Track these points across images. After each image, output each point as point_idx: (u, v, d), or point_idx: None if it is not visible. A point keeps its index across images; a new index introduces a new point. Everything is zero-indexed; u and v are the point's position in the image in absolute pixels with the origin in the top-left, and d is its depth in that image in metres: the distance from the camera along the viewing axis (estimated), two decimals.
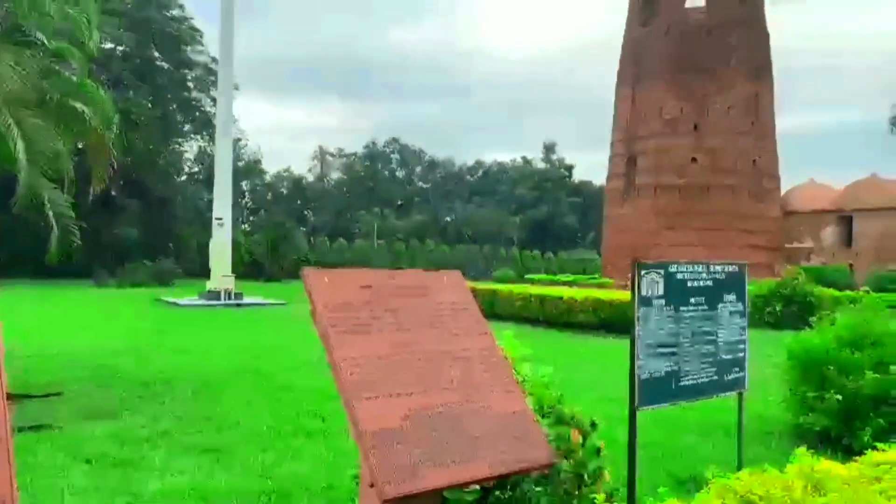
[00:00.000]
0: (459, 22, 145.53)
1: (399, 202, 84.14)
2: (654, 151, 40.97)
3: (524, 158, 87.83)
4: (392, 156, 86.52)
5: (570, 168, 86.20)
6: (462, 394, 3.22)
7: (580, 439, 4.54)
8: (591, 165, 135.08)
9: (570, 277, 42.28)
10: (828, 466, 3.43)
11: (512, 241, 71.69)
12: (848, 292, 28.42)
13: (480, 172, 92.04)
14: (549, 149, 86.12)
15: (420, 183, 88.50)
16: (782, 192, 42.57)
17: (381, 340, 3.21)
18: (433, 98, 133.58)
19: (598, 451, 4.61)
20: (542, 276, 45.48)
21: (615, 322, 15.09)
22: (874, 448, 3.98)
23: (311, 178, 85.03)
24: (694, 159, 40.06)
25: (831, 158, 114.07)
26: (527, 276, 43.50)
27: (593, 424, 4.79)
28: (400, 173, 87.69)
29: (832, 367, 6.51)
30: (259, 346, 13.30)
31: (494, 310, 18.96)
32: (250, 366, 10.82)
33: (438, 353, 3.32)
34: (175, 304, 23.93)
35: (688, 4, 41.49)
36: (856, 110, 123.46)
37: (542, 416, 4.54)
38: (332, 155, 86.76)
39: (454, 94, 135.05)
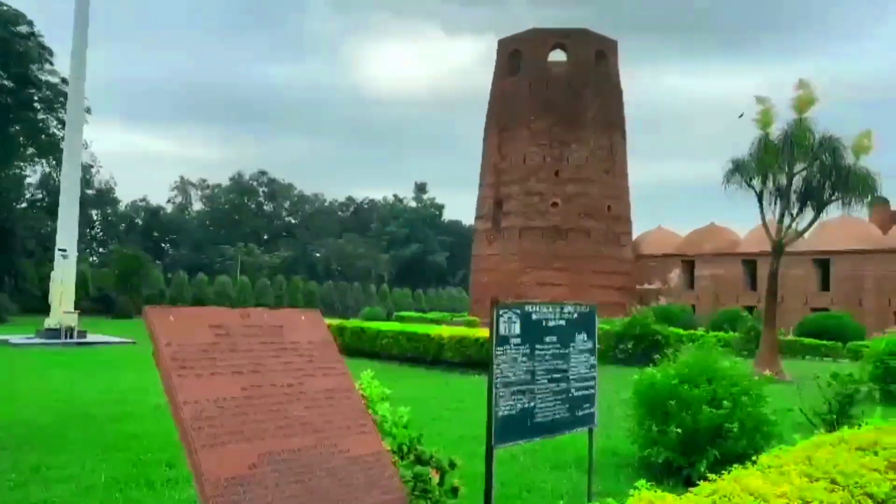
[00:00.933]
0: (335, 61, 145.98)
1: (265, 237, 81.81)
2: (519, 195, 42.78)
3: (396, 196, 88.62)
4: (260, 189, 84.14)
5: (440, 207, 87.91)
6: (316, 437, 3.13)
7: (438, 479, 4.54)
8: (461, 205, 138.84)
9: (439, 315, 42.77)
10: (664, 498, 3.65)
11: (382, 278, 71.62)
12: (691, 331, 30.82)
13: (352, 209, 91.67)
14: (420, 188, 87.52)
15: (288, 217, 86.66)
16: (634, 237, 45.72)
17: (229, 382, 3.06)
18: (304, 134, 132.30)
19: (455, 490, 4.63)
20: (412, 313, 45.70)
21: (481, 360, 15.38)
22: (706, 479, 4.28)
23: (170, 209, 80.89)
24: (555, 204, 42.21)
25: (678, 208, 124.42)
26: (396, 314, 43.50)
27: (452, 464, 4.81)
28: (267, 207, 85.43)
29: (673, 402, 6.96)
30: (100, 389, 12.27)
31: (362, 347, 18.77)
32: (87, 411, 9.93)
33: (292, 395, 3.21)
34: (6, 342, 21.67)
35: (550, 59, 44.18)
36: (699, 165, 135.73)
37: (402, 457, 4.51)
38: (194, 185, 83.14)
39: (326, 130, 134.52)
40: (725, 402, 6.84)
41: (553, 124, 42.44)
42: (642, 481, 3.87)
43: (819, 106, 17.90)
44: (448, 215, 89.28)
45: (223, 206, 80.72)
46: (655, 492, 3.64)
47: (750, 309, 33.69)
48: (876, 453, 5.20)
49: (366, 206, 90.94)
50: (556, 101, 42.55)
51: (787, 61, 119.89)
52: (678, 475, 6.87)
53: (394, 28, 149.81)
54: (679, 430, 6.78)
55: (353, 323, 21.45)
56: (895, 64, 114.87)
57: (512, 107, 43.81)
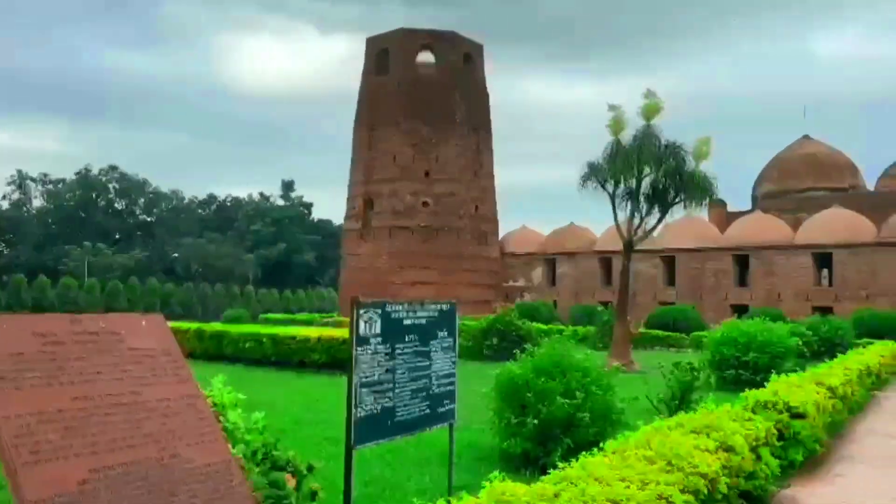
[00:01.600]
0: (198, 53, 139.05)
1: (117, 236, 76.44)
2: (389, 195, 42.86)
3: (262, 194, 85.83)
4: (110, 185, 78.38)
5: (309, 206, 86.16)
6: (156, 448, 2.95)
7: (295, 484, 4.44)
8: (331, 204, 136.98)
9: (308, 316, 41.93)
10: (515, 488, 3.77)
11: (247, 279, 69.10)
12: (552, 326, 32.24)
13: (213, 207, 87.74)
14: (287, 186, 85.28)
15: (143, 216, 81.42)
16: (500, 236, 47.15)
17: (57, 394, 2.82)
18: (161, 128, 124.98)
19: (313, 494, 4.54)
20: (279, 315, 44.46)
21: (349, 360, 15.22)
22: (555, 467, 4.48)
23: (5, 205, 73.64)
24: (425, 203, 42.66)
25: (541, 208, 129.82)
26: (262, 316, 42.15)
27: (310, 468, 4.71)
28: (119, 204, 79.79)
29: (530, 395, 7.24)
30: None
31: (223, 352, 18.03)
32: None
33: (130, 405, 3.01)
34: None
35: (419, 59, 44.59)
36: (562, 168, 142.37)
37: (257, 464, 4.36)
38: (34, 181, 76.13)
39: (185, 125, 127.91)
40: (578, 393, 7.20)
41: (422, 124, 42.88)
42: (495, 472, 3.98)
43: (664, 114, 19.32)
44: (317, 214, 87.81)
45: (68, 204, 74.53)
46: (507, 482, 3.76)
47: (606, 304, 35.75)
48: (708, 435, 5.68)
49: (229, 204, 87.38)
50: (425, 101, 43.02)
51: (639, 73, 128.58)
52: (536, 465, 7.15)
53: (264, 23, 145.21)
54: (535, 422, 7.06)
55: (213, 326, 20.54)
56: (733, 80, 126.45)
57: (381, 106, 43.80)
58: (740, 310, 33.80)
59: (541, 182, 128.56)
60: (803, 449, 7.75)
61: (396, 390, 5.16)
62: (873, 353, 17.33)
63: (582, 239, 44.76)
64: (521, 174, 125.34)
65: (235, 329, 19.17)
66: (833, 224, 36.62)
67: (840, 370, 11.91)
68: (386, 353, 5.07)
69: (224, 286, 61.47)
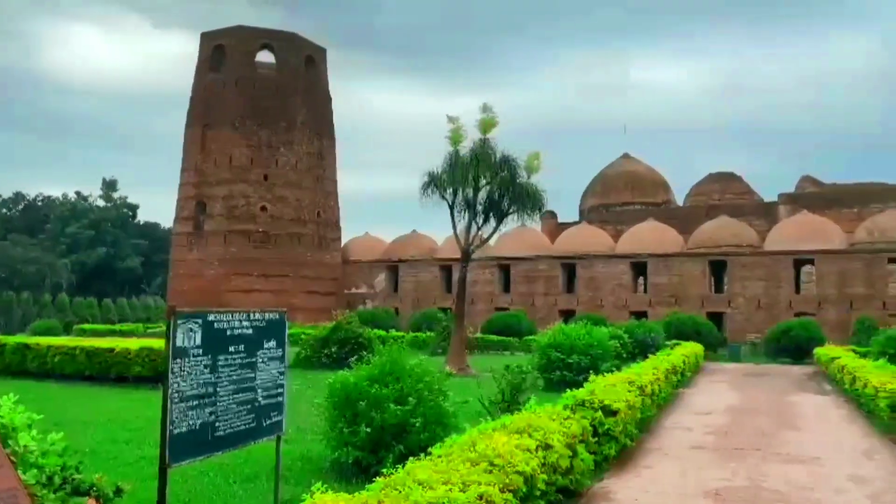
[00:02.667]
0: (10, 41, 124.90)
1: None
2: (225, 198, 41.01)
3: (79, 194, 78.46)
4: None
5: (134, 208, 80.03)
6: None
7: None
8: (159, 207, 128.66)
9: (132, 327, 38.92)
10: (337, 499, 3.73)
11: (60, 286, 62.85)
12: (393, 332, 32.44)
13: (21, 206, 79.06)
14: (109, 185, 78.57)
15: None
16: (343, 242, 46.74)
17: None
18: None
19: None
20: (98, 326, 40.86)
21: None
22: (381, 474, 4.49)
23: None
24: (263, 208, 41.29)
25: (384, 216, 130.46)
26: (77, 327, 38.52)
27: (118, 491, 4.36)
28: None
29: (363, 403, 7.22)
30: None
31: (28, 367, 16.29)
32: None
33: None
34: None
35: (258, 59, 43.18)
36: (406, 176, 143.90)
37: (54, 490, 3.96)
38: None
39: None
40: (410, 399, 7.29)
41: (261, 126, 41.52)
42: (318, 484, 3.92)
43: (499, 129, 20.17)
44: (143, 216, 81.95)
45: None
46: (329, 494, 3.71)
47: (446, 310, 36.59)
48: (530, 435, 5.97)
49: (39, 204, 79.13)
50: (265, 103, 41.72)
51: (477, 88, 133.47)
52: (368, 473, 7.12)
53: (90, 12, 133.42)
54: (368, 430, 7.04)
55: (15, 339, 18.48)
56: (562, 100, 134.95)
57: (216, 105, 41.87)
58: (568, 315, 36.02)
59: (385, 190, 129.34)
60: (616, 444, 8.39)
61: (219, 404, 4.92)
62: (679, 354, 19.20)
63: (423, 247, 45.53)
64: (365, 181, 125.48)
65: (44, 342, 17.36)
66: (648, 236, 40.16)
67: (650, 370, 13.05)
68: (207, 366, 4.82)
69: (32, 294, 55.48)
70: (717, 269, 38.32)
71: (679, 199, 53.72)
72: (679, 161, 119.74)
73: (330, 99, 46.03)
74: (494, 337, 31.83)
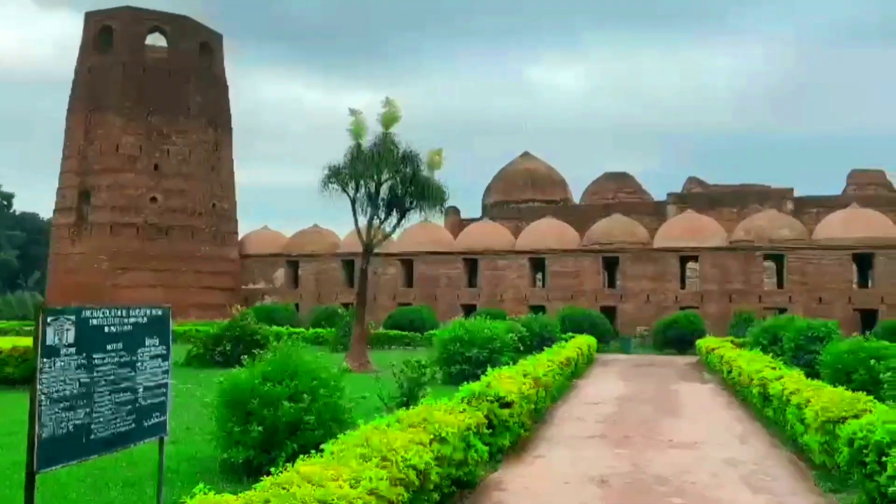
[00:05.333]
0: None
1: None
2: (110, 188, 38.77)
3: None
4: None
5: (9, 197, 74.27)
6: None
7: None
8: (38, 196, 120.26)
9: (6, 325, 36.09)
10: (222, 500, 3.60)
11: None
12: (293, 329, 31.75)
13: None
14: None
15: None
16: (240, 236, 45.28)
17: None
18: None
19: None
20: None
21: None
22: (269, 473, 4.38)
23: None
24: (154, 199, 39.36)
25: (285, 209, 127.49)
26: None
27: None
28: None
29: (255, 401, 7.01)
30: None
31: None
32: None
33: None
34: None
35: (148, 42, 41.04)
36: (308, 169, 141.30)
37: None
38: None
39: None
40: (305, 396, 7.15)
41: (151, 113, 39.49)
42: (200, 486, 3.77)
43: (402, 124, 20.13)
44: (19, 206, 76.28)
45: None
46: (211, 495, 3.57)
47: (348, 306, 36.21)
48: (424, 429, 6.00)
49: None
50: (155, 88, 39.69)
51: (382, 83, 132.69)
52: (260, 473, 6.93)
53: None
54: (260, 428, 6.86)
55: None
56: (466, 99, 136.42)
57: (102, 89, 39.46)
58: (470, 309, 36.52)
59: (285, 183, 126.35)
60: (510, 435, 8.59)
61: (95, 405, 4.65)
62: (573, 346, 19.88)
63: (325, 241, 44.83)
64: (264, 174, 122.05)
65: None
66: (546, 232, 41.33)
67: (545, 362, 13.43)
68: (81, 365, 4.53)
69: None
70: (611, 264, 39.96)
71: (576, 196, 55.60)
72: (576, 160, 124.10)
73: (226, 87, 44.41)
74: (397, 332, 31.80)
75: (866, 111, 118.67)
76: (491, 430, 7.93)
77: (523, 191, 52.70)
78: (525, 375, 10.52)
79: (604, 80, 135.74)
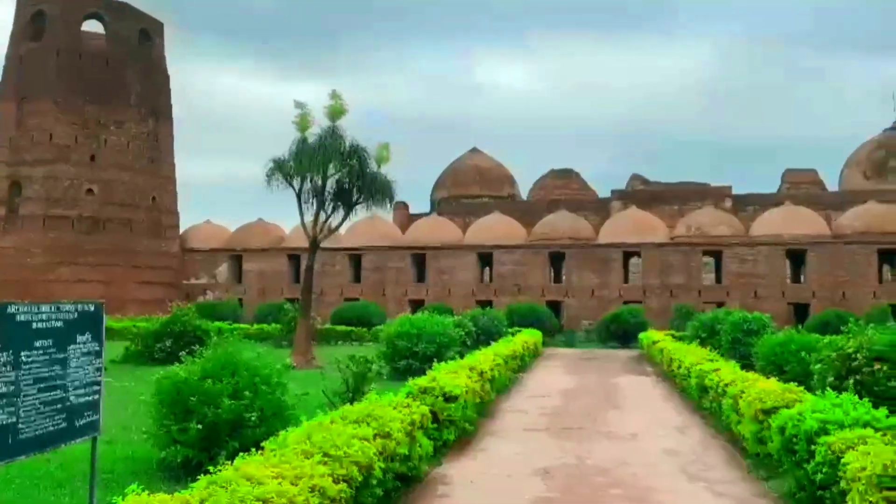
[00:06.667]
0: None
1: None
2: (44, 179, 37.24)
3: None
4: None
5: None
6: None
7: None
8: None
9: None
10: (155, 500, 3.50)
11: None
12: (236, 325, 31.16)
13: None
14: None
15: None
16: (182, 230, 44.13)
17: None
18: None
19: None
20: None
21: None
22: (208, 472, 4.28)
23: None
24: (90, 191, 37.99)
25: (229, 203, 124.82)
26: None
27: None
28: None
29: (195, 399, 6.85)
30: None
31: None
32: None
33: None
34: None
35: (84, 29, 39.54)
36: (253, 162, 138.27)
37: None
38: None
39: None
40: (247, 393, 7.02)
41: (87, 102, 38.02)
42: (133, 486, 3.66)
43: (351, 118, 19.93)
44: None
45: None
46: (144, 496, 3.47)
47: (294, 301, 35.74)
48: (368, 424, 5.97)
49: None
50: (92, 77, 38.24)
51: (329, 77, 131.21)
52: (199, 472, 6.77)
53: None
54: (200, 426, 6.70)
55: None
56: (416, 95, 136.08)
57: (35, 76, 37.81)
58: (418, 304, 36.50)
59: (228, 176, 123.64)
60: (456, 429, 8.62)
61: (21, 404, 4.45)
62: (519, 341, 20.11)
63: (270, 235, 44.11)
64: (207, 167, 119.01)
65: None
66: (494, 228, 41.63)
67: (491, 356, 13.53)
68: (6, 363, 4.33)
69: None
70: (557, 260, 40.52)
71: (524, 193, 56.17)
72: (524, 157, 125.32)
73: (167, 77, 43.14)
74: (344, 328, 31.55)
75: (800, 114, 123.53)
76: (436, 425, 7.95)
77: (472, 186, 52.94)
78: (471, 370, 10.58)
79: (552, 80, 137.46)
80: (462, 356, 13.61)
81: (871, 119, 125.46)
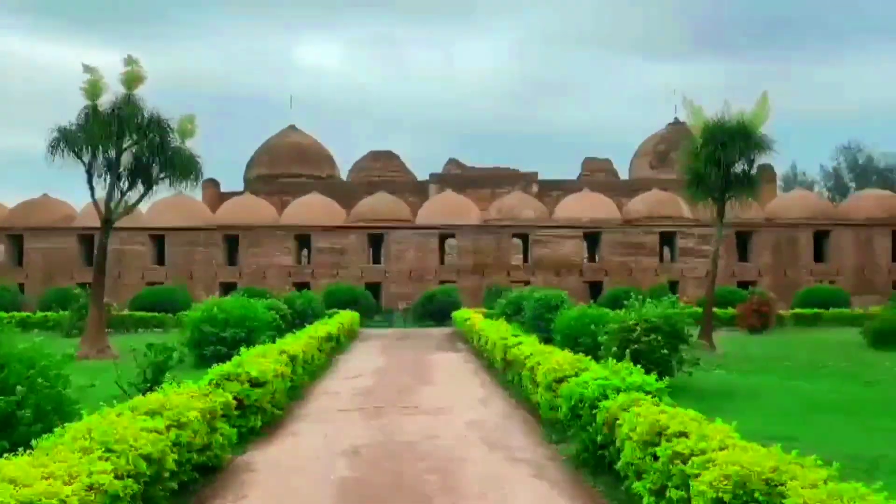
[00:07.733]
0: None
1: None
2: None
3: None
4: None
5: None
6: None
7: None
8: None
9: None
10: None
11: None
12: (16, 313, 27.78)
13: None
14: None
15: None
16: None
17: None
18: None
19: None
20: None
21: None
22: None
23: None
24: None
25: (11, 177, 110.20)
26: None
27: None
28: None
29: None
30: None
31: None
32: None
33: None
34: None
35: None
36: (33, 132, 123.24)
37: None
38: None
39: None
40: (19, 388, 6.26)
41: None
42: None
43: (158, 91, 18.40)
44: None
45: None
46: None
47: (87, 286, 32.55)
48: (162, 415, 5.59)
49: None
50: None
51: (130, 45, 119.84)
52: None
53: None
54: None
55: None
56: (226, 70, 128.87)
57: None
58: (230, 287, 34.88)
59: (8, 148, 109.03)
60: (263, 415, 8.36)
61: None
62: (335, 322, 20.01)
63: (58, 213, 39.74)
64: None
65: None
66: (312, 208, 40.85)
67: (304, 339, 13.32)
68: None
69: None
70: (376, 241, 40.74)
71: (343, 174, 55.66)
72: (343, 138, 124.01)
73: None
74: (146, 314, 29.38)
75: (597, 106, 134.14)
76: (241, 412, 7.66)
77: (290, 165, 51.45)
78: (281, 353, 10.32)
79: (370, 63, 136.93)
80: (275, 341, 13.23)
81: (658, 114, 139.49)
